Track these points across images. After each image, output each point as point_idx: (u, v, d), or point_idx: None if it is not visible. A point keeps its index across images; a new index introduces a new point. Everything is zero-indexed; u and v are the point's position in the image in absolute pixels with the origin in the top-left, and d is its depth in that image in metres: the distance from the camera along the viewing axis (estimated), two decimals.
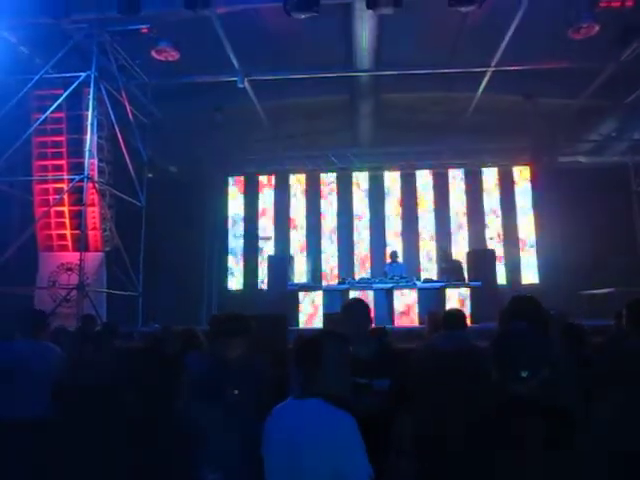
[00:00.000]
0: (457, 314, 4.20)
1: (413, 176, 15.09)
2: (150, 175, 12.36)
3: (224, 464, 3.24)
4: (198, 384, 3.39)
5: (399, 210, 14.98)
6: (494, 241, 14.61)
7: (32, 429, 3.93)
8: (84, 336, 5.79)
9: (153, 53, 9.80)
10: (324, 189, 15.02)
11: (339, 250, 14.75)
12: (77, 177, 9.48)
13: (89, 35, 9.28)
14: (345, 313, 3.53)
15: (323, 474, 1.96)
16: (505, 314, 3.13)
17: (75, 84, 9.40)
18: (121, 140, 10.39)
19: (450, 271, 11.68)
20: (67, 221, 10.12)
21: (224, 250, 14.52)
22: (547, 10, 9.14)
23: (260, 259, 14.56)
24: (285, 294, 11.22)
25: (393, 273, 11.31)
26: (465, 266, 12.17)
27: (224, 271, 14.41)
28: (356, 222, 14.94)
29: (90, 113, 9.44)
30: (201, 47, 10.33)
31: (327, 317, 8.56)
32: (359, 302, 3.66)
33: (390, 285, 10.83)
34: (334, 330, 2.44)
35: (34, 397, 4.08)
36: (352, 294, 10.46)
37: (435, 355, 3.96)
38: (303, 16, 8.22)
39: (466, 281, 11.30)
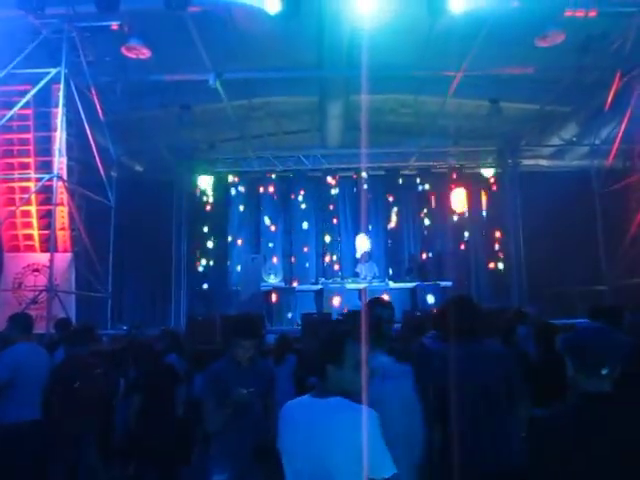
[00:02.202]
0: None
1: (382, 177, 15.24)
2: (114, 174, 12.12)
3: (234, 464, 3.27)
4: (211, 384, 3.41)
5: (369, 211, 15.10)
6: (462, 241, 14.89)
7: (32, 431, 3.91)
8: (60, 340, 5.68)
9: (123, 50, 9.62)
10: (294, 189, 14.98)
11: (310, 251, 14.77)
12: (47, 176, 9.24)
13: (59, 30, 9.04)
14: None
15: (351, 470, 1.99)
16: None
17: (45, 80, 9.15)
18: (90, 138, 10.16)
19: (417, 271, 11.89)
20: (34, 221, 9.83)
21: (195, 250, 14.33)
22: (515, 18, 9.39)
23: (231, 260, 14.47)
24: (258, 295, 11.19)
25: (365, 273, 11.43)
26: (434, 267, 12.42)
27: (194, 271, 14.23)
28: (327, 223, 14.98)
29: (60, 110, 9.20)
30: (172, 45, 10.21)
31: (304, 317, 8.61)
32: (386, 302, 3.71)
33: (363, 285, 10.94)
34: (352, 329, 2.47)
35: (35, 399, 4.06)
36: (325, 294, 10.53)
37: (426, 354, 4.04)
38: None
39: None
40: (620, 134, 10.85)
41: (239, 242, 14.74)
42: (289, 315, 11.05)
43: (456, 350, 3.12)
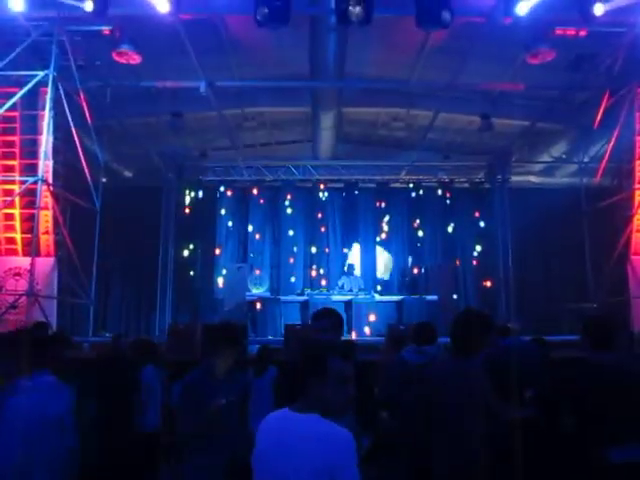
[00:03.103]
0: (427, 327, 4.22)
1: (372, 190, 15.23)
2: (104, 180, 12.05)
3: (208, 476, 3.18)
4: (185, 395, 3.33)
5: (359, 223, 15.08)
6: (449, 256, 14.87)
7: None
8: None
9: (114, 55, 9.57)
10: (283, 200, 14.92)
11: (298, 262, 14.69)
12: (31, 179, 9.13)
13: (48, 33, 8.99)
14: (334, 322, 3.34)
15: None
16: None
17: (32, 83, 9.07)
18: (77, 142, 10.07)
19: (409, 284, 11.85)
20: (17, 224, 9.70)
21: (181, 259, 14.21)
22: (506, 35, 9.45)
23: (217, 269, 14.37)
24: (242, 304, 11.10)
25: (351, 285, 11.37)
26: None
27: (180, 280, 14.09)
28: (315, 234, 14.91)
29: (47, 113, 9.12)
30: (164, 52, 10.20)
31: (288, 328, 8.51)
32: (333, 312, 3.47)
33: (349, 297, 10.87)
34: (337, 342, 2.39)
35: None
36: (311, 306, 10.44)
37: (406, 369, 3.98)
38: (273, 28, 8.18)
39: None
40: (608, 152, 10.89)
41: (226, 251, 14.65)
42: (274, 325, 10.95)
43: (439, 366, 3.05)
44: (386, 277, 14.50)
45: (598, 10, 8.17)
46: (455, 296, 13.35)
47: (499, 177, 14.51)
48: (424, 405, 3.01)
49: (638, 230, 10.31)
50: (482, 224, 14.71)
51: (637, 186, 10.26)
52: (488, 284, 14.33)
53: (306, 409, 2.04)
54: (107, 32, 9.38)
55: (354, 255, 14.43)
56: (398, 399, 4.13)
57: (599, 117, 10.79)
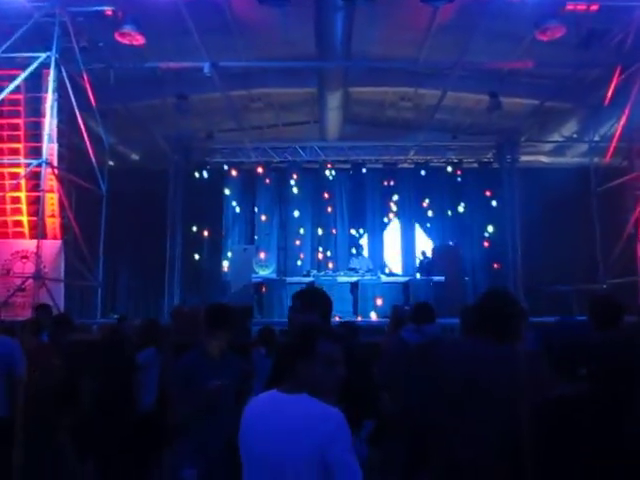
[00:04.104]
0: (425, 307, 4.18)
1: (380, 171, 15.10)
2: (111, 163, 12.06)
3: (203, 458, 3.19)
4: (181, 376, 3.34)
5: (366, 204, 15.00)
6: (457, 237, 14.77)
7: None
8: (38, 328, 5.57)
9: (117, 36, 9.49)
10: (290, 182, 14.85)
11: (304, 243, 14.68)
12: (35, 162, 9.14)
13: (50, 14, 8.92)
14: (306, 302, 2.92)
15: (306, 471, 1.90)
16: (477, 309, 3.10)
17: (35, 65, 9.04)
18: (82, 125, 10.05)
19: (426, 266, 11.79)
20: (24, 207, 9.74)
21: (189, 241, 14.23)
22: (515, 11, 9.25)
23: (224, 251, 14.40)
24: (248, 286, 11.10)
25: (360, 265, 11.34)
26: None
27: (188, 262, 14.13)
28: (322, 216, 14.87)
29: (50, 96, 9.10)
30: (168, 33, 10.10)
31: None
32: (320, 291, 3.18)
33: (355, 278, 10.85)
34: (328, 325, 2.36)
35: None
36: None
37: (405, 348, 3.96)
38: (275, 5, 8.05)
39: None
40: (619, 131, 10.68)
41: (233, 233, 14.66)
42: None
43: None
44: (395, 258, 14.47)
45: None
46: (465, 277, 13.31)
47: (508, 157, 14.31)
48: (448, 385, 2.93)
49: None
50: (494, 204, 14.54)
51: None
52: (496, 266, 14.23)
53: (295, 390, 2.03)
54: (109, 13, 9.29)
55: (362, 236, 14.38)
56: (398, 379, 4.11)
57: (610, 95, 10.58)
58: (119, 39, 9.49)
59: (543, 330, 2.14)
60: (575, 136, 13.59)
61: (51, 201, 9.73)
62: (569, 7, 9.21)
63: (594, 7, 9.31)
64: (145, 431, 4.64)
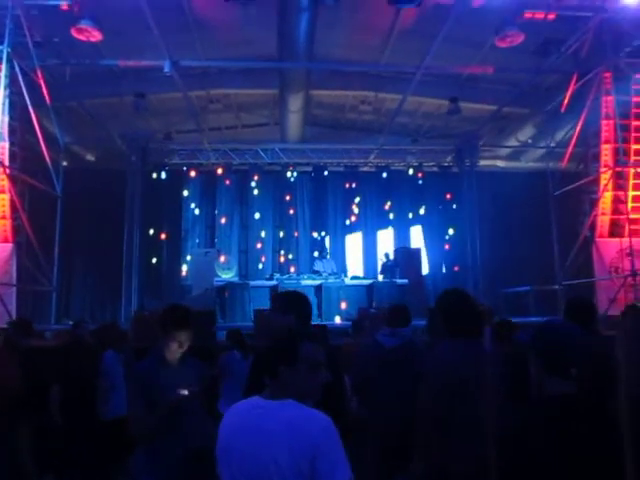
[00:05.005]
0: (401, 310, 4.15)
1: (341, 174, 15.11)
2: (66, 163, 11.65)
3: (162, 469, 3.02)
4: (137, 385, 3.12)
5: (328, 207, 14.99)
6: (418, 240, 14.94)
7: None
8: None
9: (73, 32, 9.15)
10: (251, 183, 14.68)
11: (266, 246, 14.54)
12: None
13: (3, 6, 8.55)
14: (285, 306, 2.93)
15: (300, 476, 1.83)
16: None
17: None
18: (36, 123, 9.66)
19: (389, 269, 11.85)
20: None
21: (147, 244, 13.85)
22: (476, 18, 9.40)
23: (184, 255, 14.12)
24: (211, 290, 10.90)
25: (324, 268, 11.30)
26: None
27: (146, 266, 13.75)
28: (284, 219, 14.77)
29: (2, 92, 8.70)
30: (127, 30, 9.83)
31: (257, 313, 8.39)
32: (300, 294, 3.10)
33: (319, 281, 10.79)
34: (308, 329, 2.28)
35: None
36: (280, 290, 10.31)
37: (380, 351, 3.92)
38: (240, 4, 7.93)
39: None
40: (575, 137, 11.01)
41: (193, 236, 14.41)
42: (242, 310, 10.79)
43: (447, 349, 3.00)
44: (358, 261, 14.52)
45: None
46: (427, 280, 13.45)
47: (467, 161, 14.55)
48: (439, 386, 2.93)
49: (603, 213, 10.46)
50: (454, 207, 14.75)
51: (603, 170, 10.40)
52: (456, 268, 14.46)
53: (278, 396, 1.96)
54: (65, 7, 8.97)
55: (324, 239, 14.37)
56: (371, 381, 4.07)
57: (566, 101, 10.89)
58: (75, 35, 9.16)
59: (534, 331, 2.14)
60: (530, 141, 13.96)
61: (2, 202, 9.31)
62: (528, 15, 9.43)
63: (552, 16, 9.57)
64: (108, 439, 4.46)
